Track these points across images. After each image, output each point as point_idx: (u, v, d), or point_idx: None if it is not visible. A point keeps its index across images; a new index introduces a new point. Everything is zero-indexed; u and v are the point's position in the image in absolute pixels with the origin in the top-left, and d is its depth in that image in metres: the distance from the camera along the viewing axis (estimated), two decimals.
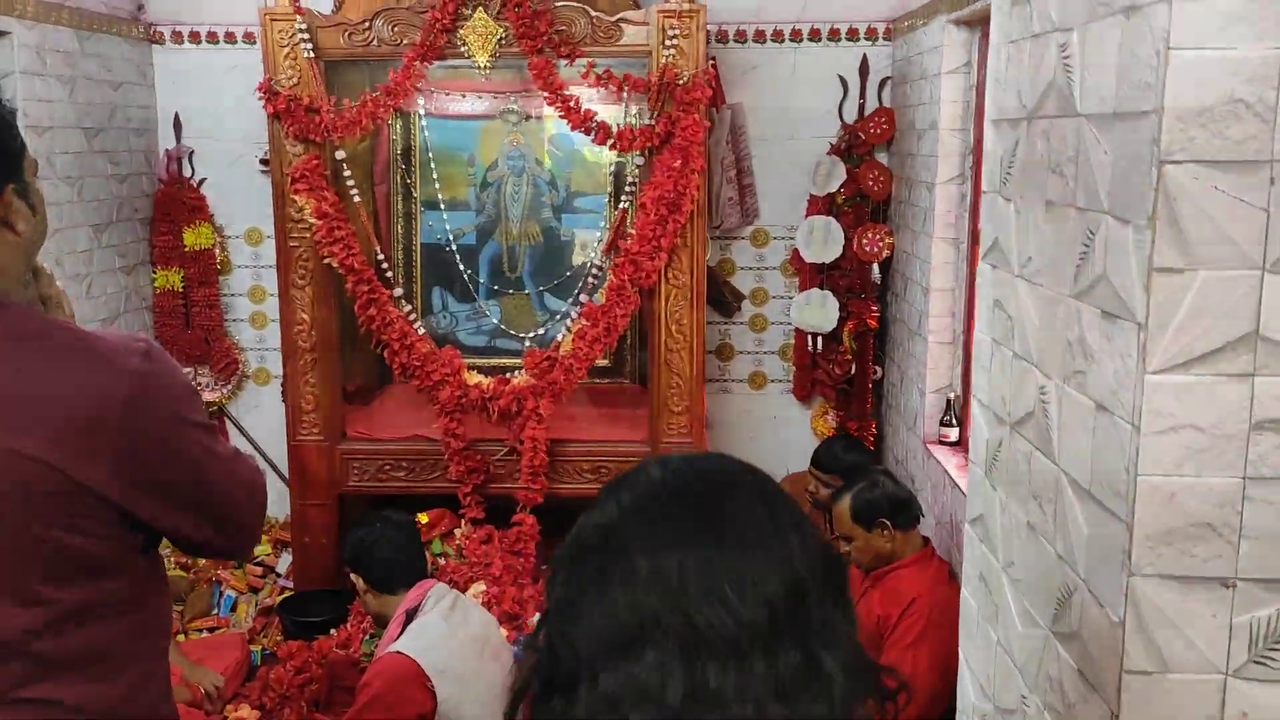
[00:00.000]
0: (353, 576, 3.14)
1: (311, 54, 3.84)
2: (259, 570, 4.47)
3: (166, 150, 4.74)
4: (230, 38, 4.70)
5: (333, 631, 3.83)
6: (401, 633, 2.94)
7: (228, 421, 4.96)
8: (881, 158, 4.57)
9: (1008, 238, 1.54)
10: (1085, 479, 1.28)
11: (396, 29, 3.86)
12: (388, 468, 4.17)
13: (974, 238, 3.60)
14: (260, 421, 4.91)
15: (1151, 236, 1.08)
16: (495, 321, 4.72)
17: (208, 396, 4.85)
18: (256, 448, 4.96)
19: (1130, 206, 1.14)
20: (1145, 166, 1.10)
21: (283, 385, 4.17)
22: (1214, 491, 1.14)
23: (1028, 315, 1.46)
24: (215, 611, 4.27)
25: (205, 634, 4.15)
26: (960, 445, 3.73)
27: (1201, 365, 1.11)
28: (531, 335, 4.66)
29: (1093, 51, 1.24)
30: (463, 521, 4.12)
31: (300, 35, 3.82)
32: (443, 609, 2.97)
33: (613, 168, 4.62)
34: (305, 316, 4.04)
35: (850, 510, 3.28)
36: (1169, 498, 1.15)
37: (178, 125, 4.74)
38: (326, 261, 3.94)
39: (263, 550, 4.60)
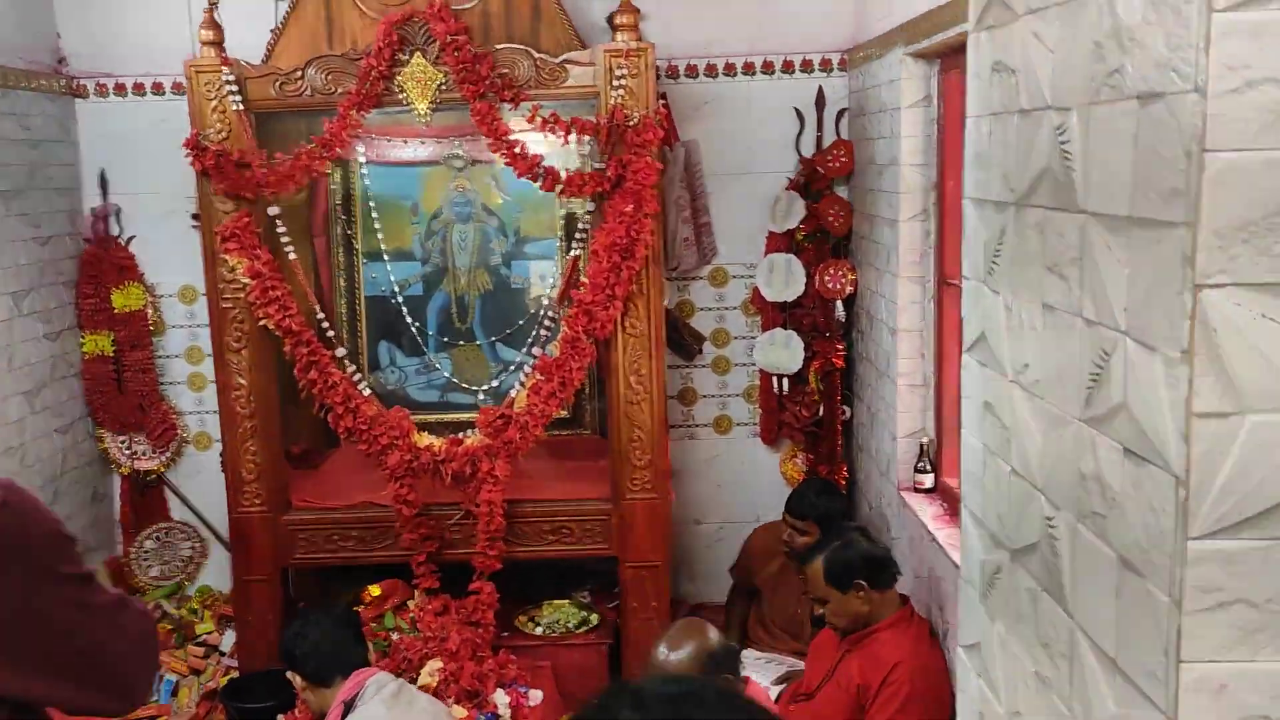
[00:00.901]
0: (289, 675, 2.95)
1: (241, 106, 3.63)
2: (200, 651, 4.22)
3: (92, 209, 4.50)
4: (158, 89, 4.48)
5: (280, 719, 3.58)
6: None
7: (167, 490, 4.71)
8: (841, 191, 4.43)
9: (997, 336, 1.37)
10: (1110, 645, 1.10)
11: (330, 77, 3.66)
12: (335, 538, 3.94)
13: (941, 278, 3.45)
14: (203, 488, 4.66)
15: (1189, 375, 0.90)
16: (447, 375, 4.51)
17: (145, 465, 4.60)
18: (200, 517, 4.71)
19: (1157, 333, 0.97)
20: (1176, 288, 0.92)
21: (222, 455, 3.93)
22: (1273, 680, 0.96)
23: (1027, 430, 1.29)
24: (155, 698, 4.00)
25: None
26: (936, 492, 3.57)
27: (1254, 528, 0.93)
28: (485, 388, 4.46)
29: (1099, 140, 1.07)
30: (416, 592, 3.90)
31: (228, 87, 3.61)
32: (384, 697, 2.77)
33: (565, 210, 4.43)
34: (243, 381, 3.82)
35: (824, 572, 3.11)
36: (1219, 688, 0.96)
37: (104, 182, 4.50)
38: (263, 323, 3.72)
39: (205, 628, 4.36)
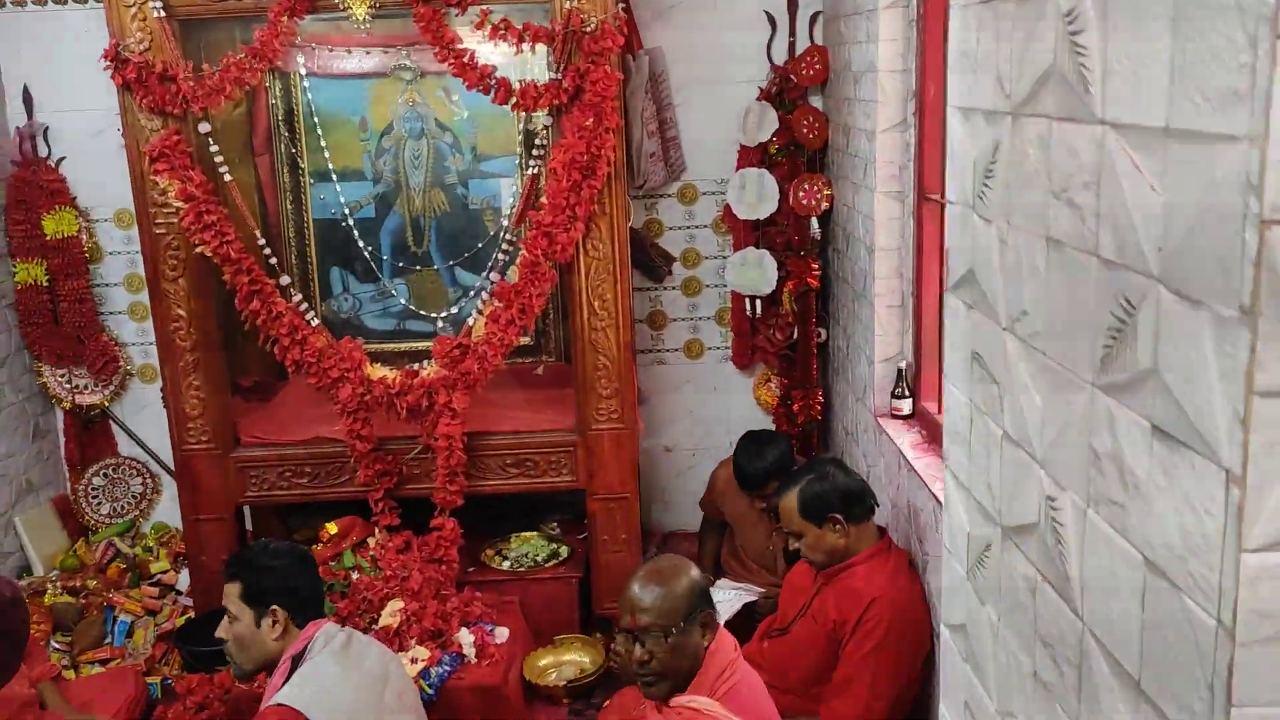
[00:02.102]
0: (237, 606, 2.67)
1: (162, 13, 3.34)
2: (155, 591, 4.06)
3: (17, 128, 4.19)
4: None
5: None
6: (286, 681, 2.58)
7: (114, 425, 4.50)
8: (816, 102, 4.18)
9: (988, 274, 1.16)
10: (1132, 662, 0.90)
11: None
12: (289, 474, 3.76)
13: (921, 192, 3.24)
14: (150, 423, 4.46)
15: (1250, 340, 0.69)
16: (403, 302, 4.29)
17: (88, 399, 4.39)
18: (149, 452, 4.52)
19: (1204, 281, 0.74)
20: (1233, 223, 0.71)
21: (163, 390, 3.72)
22: None
23: (1025, 390, 1.09)
24: (109, 641, 3.86)
25: (98, 668, 3.75)
26: (915, 419, 3.41)
27: None
28: (444, 315, 4.25)
29: (1124, 28, 0.84)
30: (376, 530, 3.74)
31: None
32: (333, 650, 2.61)
33: (523, 124, 4.17)
34: (181, 312, 3.59)
35: (798, 505, 2.97)
36: None
37: (28, 99, 4.19)
38: (199, 250, 3.48)
39: (160, 567, 4.20)
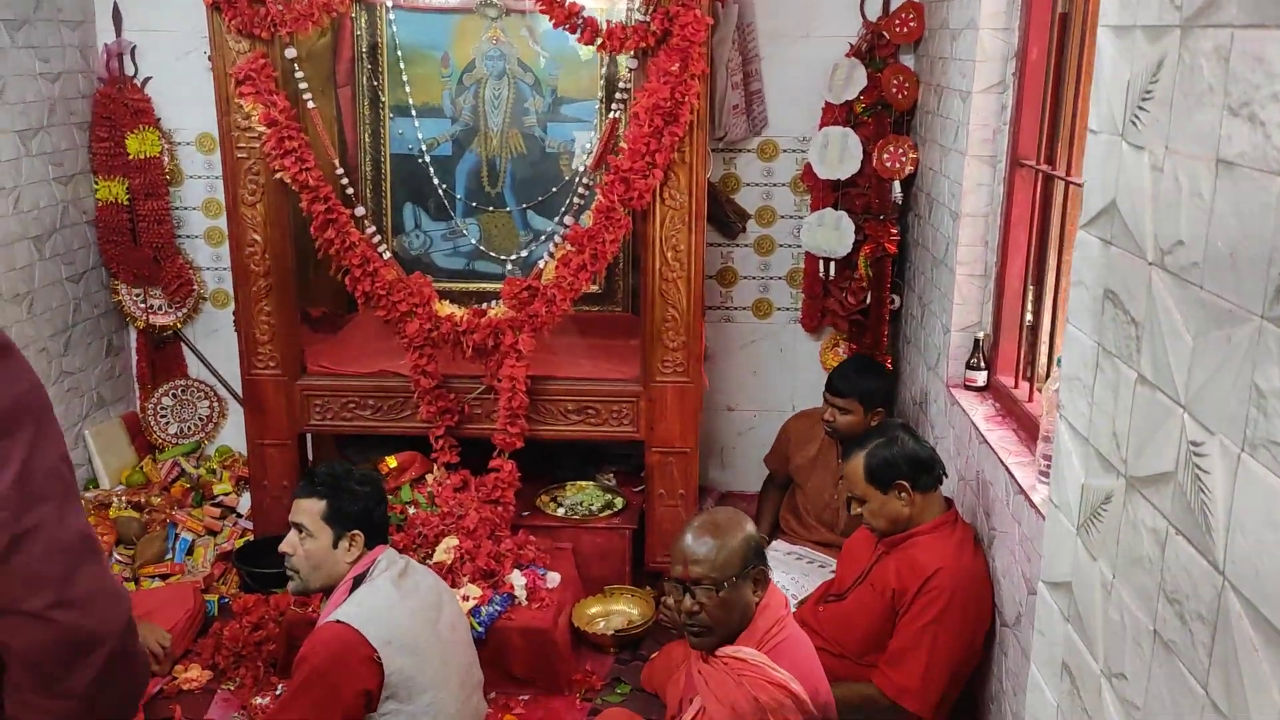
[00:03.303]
0: (313, 523, 2.66)
1: None
2: (217, 511, 4.12)
3: (105, 45, 4.22)
4: None
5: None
6: (346, 600, 2.60)
7: (185, 347, 4.56)
8: (908, 61, 4.06)
9: (1137, 205, 1.09)
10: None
11: None
12: (352, 405, 3.77)
13: (1014, 158, 3.13)
14: (220, 347, 4.51)
15: None
16: (474, 242, 4.27)
17: (161, 320, 4.44)
18: (217, 376, 4.57)
19: None
20: None
21: (235, 314, 3.75)
22: None
23: (1173, 328, 1.02)
24: (169, 557, 3.93)
25: (158, 582, 3.82)
26: (989, 390, 3.32)
27: None
28: (514, 257, 4.22)
29: None
30: (435, 466, 3.75)
31: None
32: (392, 575, 2.63)
33: (606, 70, 4.11)
34: (257, 237, 3.60)
35: (864, 470, 2.91)
36: None
37: (117, 16, 4.22)
38: (278, 176, 3.48)
39: (223, 489, 4.26)
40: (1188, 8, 0.99)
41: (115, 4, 4.20)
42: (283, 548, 2.70)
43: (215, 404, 4.61)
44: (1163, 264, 1.04)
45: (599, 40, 3.37)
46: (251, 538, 3.93)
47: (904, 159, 3.95)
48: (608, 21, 3.40)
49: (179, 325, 4.49)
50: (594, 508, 3.94)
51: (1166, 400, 1.03)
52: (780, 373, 4.51)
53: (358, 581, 2.66)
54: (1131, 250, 1.10)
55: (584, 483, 4.09)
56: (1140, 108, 1.08)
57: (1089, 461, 1.21)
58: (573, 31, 3.39)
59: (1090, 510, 1.20)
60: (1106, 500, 1.16)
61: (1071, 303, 1.26)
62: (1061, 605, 1.31)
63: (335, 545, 2.67)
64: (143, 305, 4.41)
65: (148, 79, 4.28)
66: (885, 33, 3.99)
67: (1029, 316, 3.12)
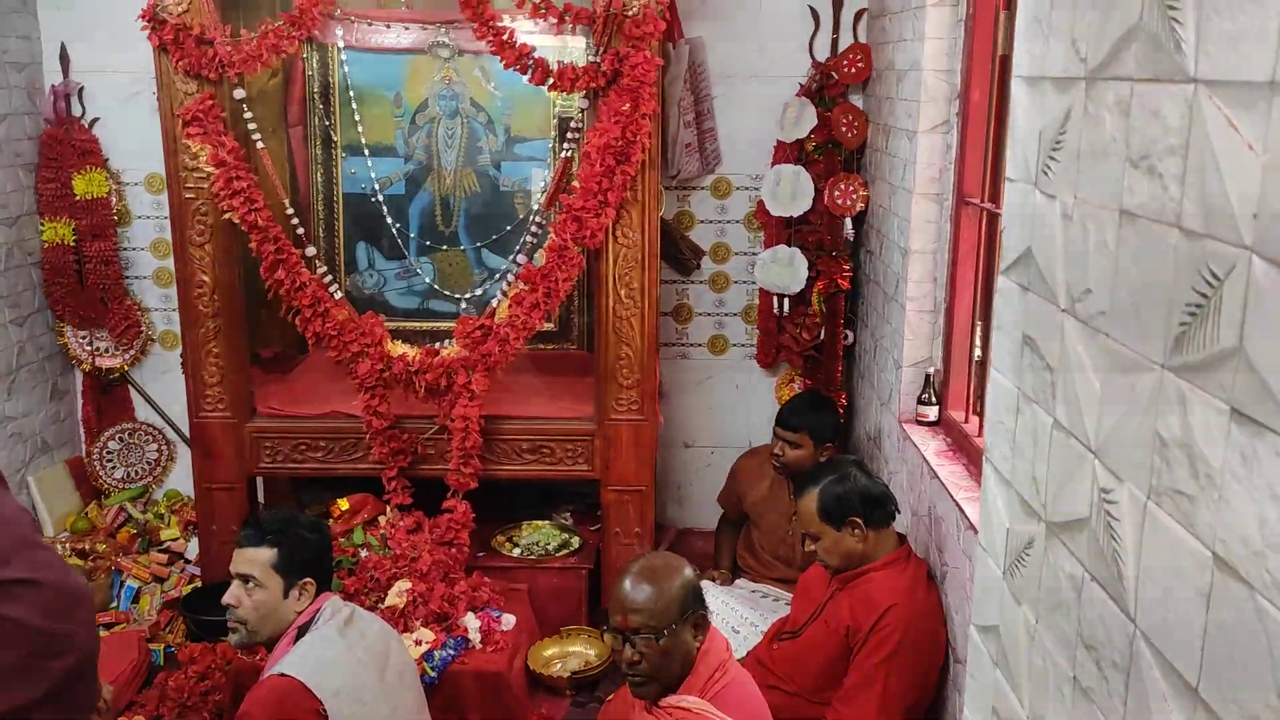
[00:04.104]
0: (262, 572, 2.60)
1: None
2: (164, 557, 4.05)
3: (52, 86, 4.19)
4: None
5: None
6: (291, 651, 2.54)
7: (132, 389, 4.49)
8: (856, 100, 4.12)
9: (1049, 252, 1.10)
10: (1189, 668, 0.82)
11: None
12: (303, 447, 3.72)
13: (960, 196, 3.17)
14: (168, 390, 4.45)
15: None
16: (428, 281, 4.25)
17: (108, 362, 4.37)
18: (166, 419, 4.50)
19: None
20: None
21: (183, 355, 3.70)
22: None
23: (1082, 374, 1.03)
24: (114, 605, 3.85)
25: (102, 631, 3.72)
26: (940, 425, 3.34)
27: None
28: (468, 296, 4.21)
29: None
30: (388, 508, 3.70)
31: None
32: (337, 624, 2.58)
33: (559, 108, 4.12)
34: (206, 278, 3.56)
35: (818, 506, 2.91)
36: None
37: (64, 58, 4.18)
38: (227, 216, 3.45)
39: (170, 534, 4.18)
40: (1091, 60, 1.01)
41: (62, 45, 4.17)
42: (226, 599, 2.63)
43: (163, 447, 4.53)
44: (1074, 311, 1.05)
45: (550, 80, 3.39)
46: (199, 584, 3.85)
47: (855, 196, 4.00)
48: (559, 62, 3.42)
49: (126, 367, 4.42)
50: (550, 547, 3.90)
51: (1079, 446, 1.04)
52: (736, 408, 4.52)
53: (302, 631, 2.60)
54: (1046, 297, 1.11)
55: (540, 522, 4.06)
56: (1051, 157, 1.10)
57: (1012, 506, 1.21)
58: (524, 72, 3.41)
59: (1014, 555, 1.21)
60: (1029, 545, 1.16)
61: (994, 347, 1.27)
62: (991, 649, 1.31)
63: (286, 594, 2.61)
64: (89, 348, 4.34)
65: (95, 120, 4.24)
66: (834, 73, 4.05)
67: (978, 352, 3.15)
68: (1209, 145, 0.79)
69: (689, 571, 2.40)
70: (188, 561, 4.07)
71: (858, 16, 4.09)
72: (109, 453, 4.47)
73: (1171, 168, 0.85)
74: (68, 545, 4.05)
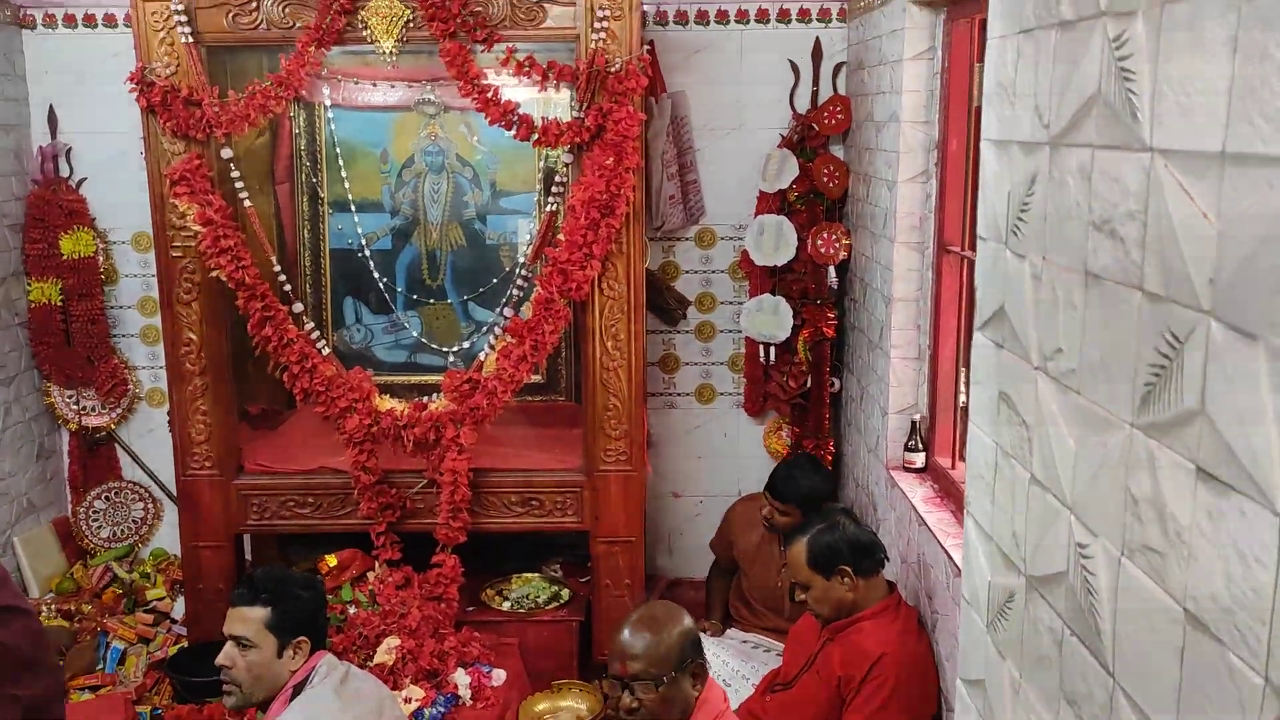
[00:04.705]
0: (255, 632, 2.57)
1: (190, 38, 3.36)
2: (150, 618, 4.00)
3: (40, 147, 4.21)
4: (110, 20, 4.18)
5: None
6: (286, 711, 2.52)
7: (119, 448, 4.47)
8: (837, 151, 4.18)
9: (1020, 311, 1.12)
10: None
11: (288, 10, 3.39)
12: (291, 504, 3.71)
13: (940, 244, 3.22)
14: (155, 448, 4.43)
15: None
16: (415, 335, 4.27)
17: (94, 421, 4.36)
18: (152, 477, 4.48)
19: (1259, 313, 0.70)
20: None
21: (169, 413, 3.69)
22: None
23: (1056, 431, 1.05)
24: (100, 667, 3.80)
25: (88, 694, 3.68)
26: (927, 472, 3.36)
27: None
28: (456, 349, 4.23)
29: (1176, 48, 0.81)
30: (376, 564, 3.68)
31: (176, 17, 3.34)
32: (333, 683, 2.55)
33: (544, 162, 4.17)
34: (193, 336, 3.57)
35: (807, 555, 2.91)
36: None
37: (53, 119, 4.22)
38: (214, 274, 3.47)
39: (156, 594, 4.14)
40: (1054, 126, 1.04)
41: (51, 107, 4.21)
42: (220, 660, 2.60)
43: (150, 506, 4.51)
44: (1046, 369, 1.07)
45: (534, 136, 3.43)
46: (185, 644, 3.81)
47: (838, 245, 4.04)
48: (543, 118, 3.47)
49: (113, 426, 4.41)
50: (540, 600, 3.88)
51: (1055, 502, 1.06)
52: (725, 457, 4.52)
53: (296, 690, 2.58)
54: (1019, 354, 1.14)
55: (529, 575, 4.04)
56: (1020, 218, 1.13)
57: (994, 559, 1.22)
58: (508, 129, 3.45)
59: (997, 608, 1.22)
60: (1010, 599, 1.18)
61: (972, 402, 1.29)
62: (978, 704, 1.31)
63: (280, 654, 2.58)
64: (76, 407, 4.33)
65: (83, 180, 4.27)
66: (815, 125, 4.11)
67: (963, 398, 3.18)
68: (1166, 212, 0.82)
69: (688, 621, 2.41)
70: (174, 621, 4.03)
71: (836, 69, 4.16)
72: (95, 512, 4.44)
73: (1132, 232, 0.88)
74: (53, 606, 4.01)
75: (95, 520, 4.44)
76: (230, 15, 3.37)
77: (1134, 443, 0.90)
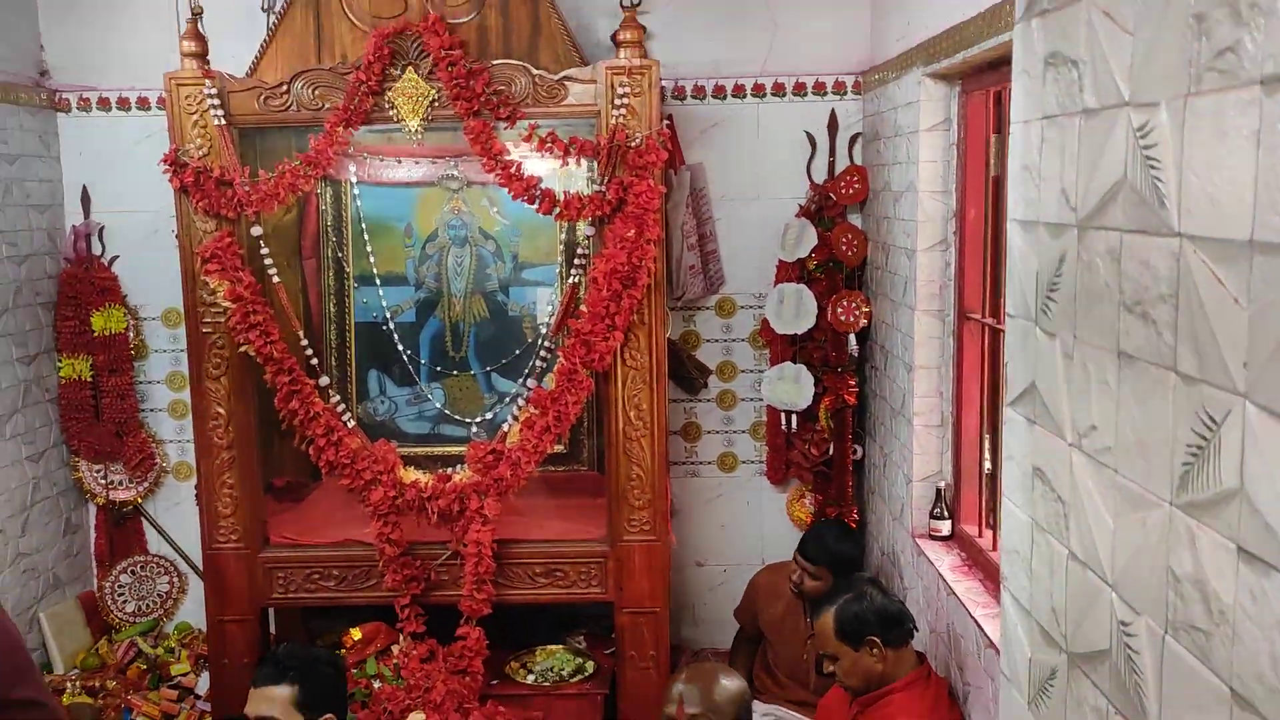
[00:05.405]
0: (284, 711, 2.56)
1: (223, 120, 3.45)
2: (174, 694, 3.99)
3: (74, 227, 4.31)
4: (143, 103, 4.31)
5: None
6: None
7: (145, 522, 4.49)
8: (855, 219, 4.23)
9: (1053, 388, 1.14)
10: None
11: (318, 92, 3.48)
12: (315, 577, 3.71)
13: (961, 311, 3.24)
14: (181, 521, 4.45)
15: None
16: (438, 406, 4.30)
17: (121, 495, 4.39)
18: (178, 550, 4.50)
19: None
20: None
21: (197, 487, 3.72)
22: None
23: (1094, 508, 1.06)
24: None
25: None
26: (954, 540, 3.34)
27: None
28: (479, 420, 4.25)
29: (1202, 141, 0.84)
30: (401, 636, 3.67)
31: (209, 100, 3.43)
32: None
33: (566, 235, 4.23)
34: (221, 410, 3.61)
35: (835, 627, 2.88)
36: None
37: (86, 199, 4.32)
38: (243, 349, 3.52)
39: (181, 669, 4.13)
40: (1082, 209, 1.06)
41: (84, 187, 4.32)
42: None
43: (175, 579, 4.51)
44: (1080, 446, 1.08)
45: (557, 210, 3.49)
46: None
47: (857, 313, 4.06)
48: (565, 192, 3.53)
49: (140, 500, 4.44)
50: (564, 673, 3.85)
51: (1096, 579, 1.06)
52: (748, 525, 4.51)
53: None
54: (1053, 430, 1.15)
55: (554, 647, 4.01)
56: (1049, 298, 1.15)
57: (1033, 635, 1.22)
58: (531, 202, 3.51)
59: (1038, 685, 1.21)
60: (1052, 676, 1.17)
61: (1004, 476, 1.30)
62: None
63: None
64: (103, 481, 4.36)
65: (115, 257, 4.36)
66: (832, 194, 4.17)
67: (987, 465, 3.17)
68: (1197, 296, 0.84)
69: (744, 685, 2.45)
70: (198, 697, 4.01)
71: (853, 140, 4.23)
72: (121, 586, 4.45)
73: (1164, 315, 0.90)
74: (78, 683, 4.00)
75: (120, 595, 4.45)
76: (262, 98, 3.47)
77: (1174, 521, 0.90)
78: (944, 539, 3.35)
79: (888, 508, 3.89)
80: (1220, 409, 0.83)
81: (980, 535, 3.19)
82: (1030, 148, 1.20)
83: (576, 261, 3.70)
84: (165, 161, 3.46)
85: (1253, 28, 0.76)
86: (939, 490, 3.38)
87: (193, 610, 4.43)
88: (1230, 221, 0.80)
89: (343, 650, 3.72)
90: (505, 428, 3.65)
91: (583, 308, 3.52)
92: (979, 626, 2.66)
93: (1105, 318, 1.02)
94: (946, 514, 3.36)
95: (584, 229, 3.69)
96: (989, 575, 2.95)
